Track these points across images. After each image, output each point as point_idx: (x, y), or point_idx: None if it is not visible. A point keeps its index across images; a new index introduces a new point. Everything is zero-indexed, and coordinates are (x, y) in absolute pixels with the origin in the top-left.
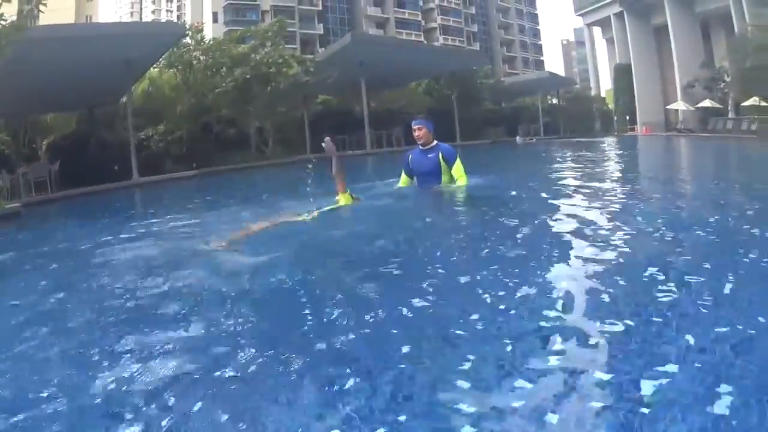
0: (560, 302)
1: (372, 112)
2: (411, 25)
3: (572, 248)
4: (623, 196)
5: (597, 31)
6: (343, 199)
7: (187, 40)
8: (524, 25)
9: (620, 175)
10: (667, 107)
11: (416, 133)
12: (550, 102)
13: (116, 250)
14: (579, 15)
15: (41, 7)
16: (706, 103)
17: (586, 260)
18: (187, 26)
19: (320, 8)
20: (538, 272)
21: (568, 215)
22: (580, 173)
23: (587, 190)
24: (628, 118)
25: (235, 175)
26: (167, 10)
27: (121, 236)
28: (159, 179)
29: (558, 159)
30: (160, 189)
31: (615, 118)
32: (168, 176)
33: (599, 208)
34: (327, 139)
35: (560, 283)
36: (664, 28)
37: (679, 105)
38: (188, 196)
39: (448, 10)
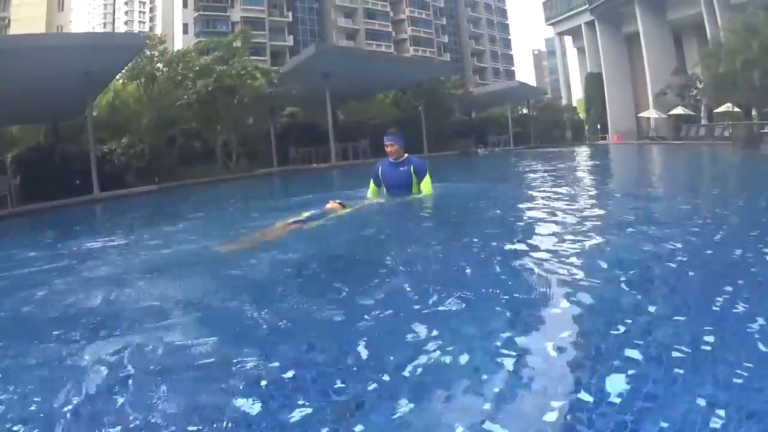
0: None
1: (339, 124)
2: (382, 36)
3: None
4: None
5: (568, 40)
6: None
7: (152, 51)
8: (495, 36)
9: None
10: (639, 115)
11: (389, 149)
12: (520, 112)
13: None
14: (550, 24)
15: (11, 16)
16: (679, 110)
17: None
18: (149, 37)
19: (290, 20)
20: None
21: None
22: (537, 182)
23: (543, 203)
24: (599, 127)
25: (196, 189)
26: (140, 21)
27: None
28: (119, 194)
29: (512, 169)
30: (118, 204)
31: (586, 127)
32: (128, 191)
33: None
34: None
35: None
36: (636, 36)
37: (651, 113)
38: (139, 214)
39: (418, 21)
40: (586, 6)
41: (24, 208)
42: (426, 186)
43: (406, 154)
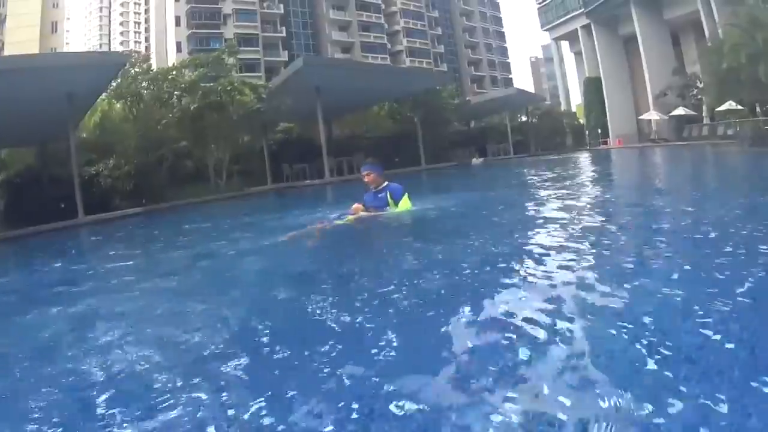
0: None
1: (333, 139)
2: (377, 48)
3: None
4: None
5: (565, 45)
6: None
7: (135, 69)
8: (491, 44)
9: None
10: (640, 118)
11: (366, 179)
12: (519, 120)
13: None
14: (546, 30)
15: (5, 39)
16: (680, 110)
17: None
18: (130, 55)
19: (284, 35)
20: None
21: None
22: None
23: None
24: (600, 131)
25: (181, 211)
26: (135, 41)
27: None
28: (104, 218)
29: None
30: (101, 229)
31: (587, 132)
32: (113, 214)
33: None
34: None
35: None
36: (633, 37)
37: (652, 115)
38: (117, 241)
39: (413, 32)
40: (582, 10)
41: (5, 235)
42: (404, 204)
43: (386, 182)
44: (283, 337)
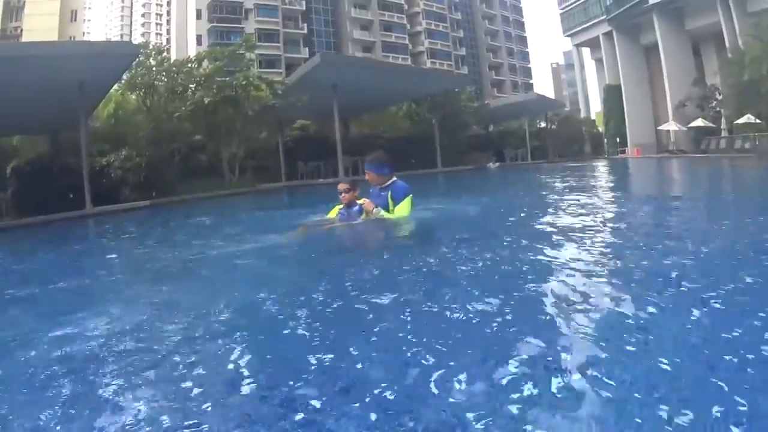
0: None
1: (349, 138)
2: (398, 48)
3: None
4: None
5: (586, 52)
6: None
7: (150, 60)
8: (513, 48)
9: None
10: (659, 128)
11: (367, 177)
12: (538, 125)
13: None
14: (567, 36)
15: (24, 26)
16: (699, 122)
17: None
18: (144, 46)
19: (305, 32)
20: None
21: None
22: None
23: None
24: (618, 140)
25: (188, 205)
26: (157, 33)
27: None
28: (111, 209)
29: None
30: (107, 220)
31: (605, 140)
32: (120, 206)
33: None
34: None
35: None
36: (654, 46)
37: (671, 125)
38: (114, 234)
39: (435, 33)
40: (604, 16)
41: (13, 222)
42: (400, 209)
43: (394, 179)
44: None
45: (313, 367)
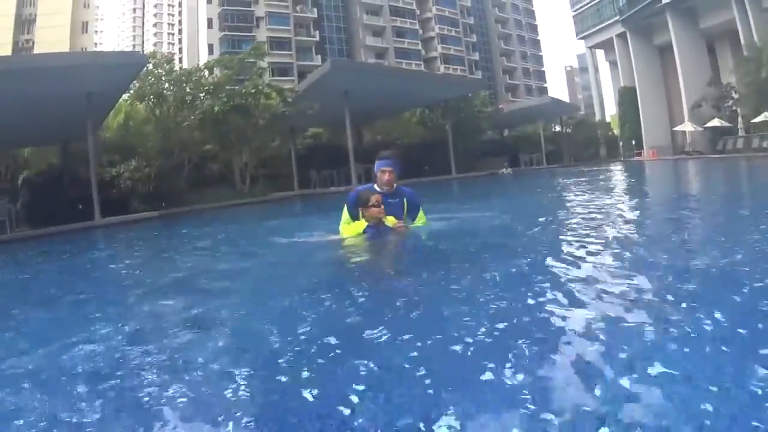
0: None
1: (362, 145)
2: (411, 54)
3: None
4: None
5: (600, 54)
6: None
7: (158, 70)
8: (527, 52)
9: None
10: (675, 129)
11: (387, 177)
12: (553, 129)
13: None
14: (581, 38)
15: (35, 38)
16: (715, 122)
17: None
18: (152, 55)
19: (317, 39)
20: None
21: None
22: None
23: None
24: (634, 142)
25: (196, 216)
26: (169, 43)
27: None
28: (120, 220)
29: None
30: (115, 232)
31: (621, 143)
32: (128, 217)
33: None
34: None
35: None
36: (669, 46)
37: (687, 126)
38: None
39: (448, 38)
40: (617, 18)
41: (21, 234)
42: (421, 219)
43: (395, 184)
44: None
45: None
